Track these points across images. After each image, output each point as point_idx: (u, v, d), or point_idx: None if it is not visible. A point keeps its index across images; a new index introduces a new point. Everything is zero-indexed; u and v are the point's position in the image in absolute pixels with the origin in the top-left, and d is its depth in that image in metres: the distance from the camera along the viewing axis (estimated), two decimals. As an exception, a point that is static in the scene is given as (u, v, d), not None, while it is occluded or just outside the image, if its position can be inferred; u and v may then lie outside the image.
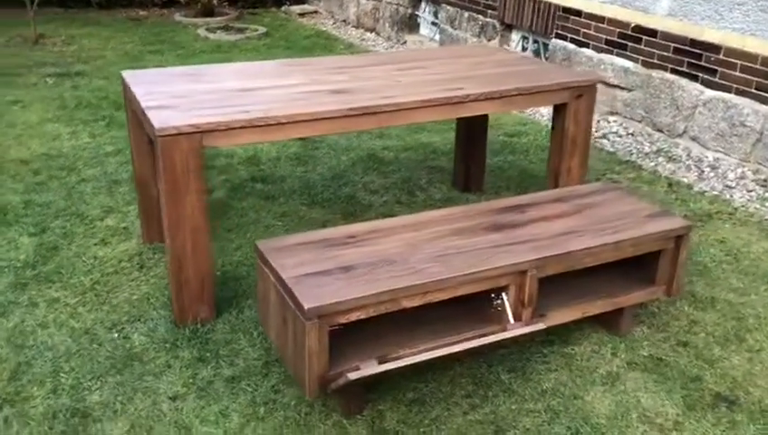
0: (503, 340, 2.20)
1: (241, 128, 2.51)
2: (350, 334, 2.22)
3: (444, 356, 2.10)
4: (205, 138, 2.47)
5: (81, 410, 2.26)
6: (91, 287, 2.95)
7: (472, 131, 3.79)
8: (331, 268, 2.18)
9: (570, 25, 5.49)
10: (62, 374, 2.42)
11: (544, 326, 2.26)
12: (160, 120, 2.45)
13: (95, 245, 3.29)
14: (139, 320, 2.73)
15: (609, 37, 5.17)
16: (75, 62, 6.57)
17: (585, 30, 5.37)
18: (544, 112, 5.36)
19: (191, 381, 2.40)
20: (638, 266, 2.64)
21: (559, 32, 5.60)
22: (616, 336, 2.66)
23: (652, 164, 4.40)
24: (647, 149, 4.65)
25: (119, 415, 2.24)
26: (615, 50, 5.12)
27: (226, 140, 2.52)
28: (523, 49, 6.07)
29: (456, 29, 6.76)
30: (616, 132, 4.96)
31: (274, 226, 3.49)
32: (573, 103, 3.11)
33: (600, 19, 5.24)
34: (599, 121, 5.12)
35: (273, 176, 4.08)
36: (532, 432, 2.19)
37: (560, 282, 2.51)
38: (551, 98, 3.07)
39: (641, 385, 2.42)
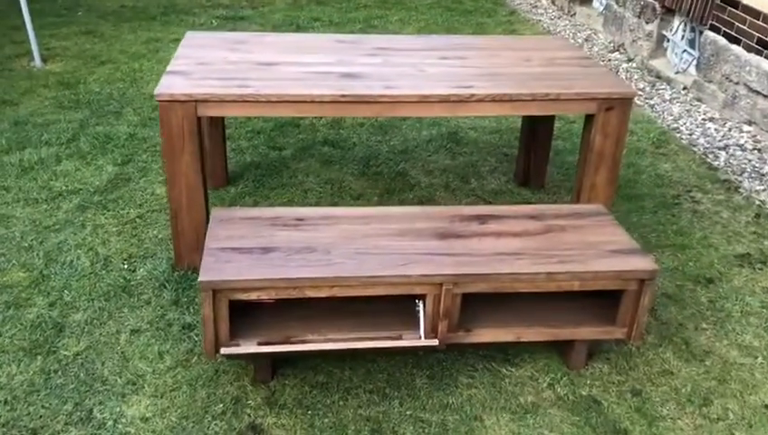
0: (403, 347, 2.24)
1: (233, 101, 2.71)
2: (270, 311, 2.38)
3: (343, 350, 2.20)
4: (199, 107, 2.71)
5: (60, 324, 2.68)
6: (132, 220, 3.38)
7: (535, 124, 3.66)
8: (254, 247, 2.35)
9: (725, 17, 4.93)
10: (65, 291, 2.87)
11: (437, 343, 2.26)
12: (164, 85, 2.73)
13: (159, 182, 3.72)
14: (151, 257, 3.11)
15: (762, 36, 4.59)
16: (247, 6, 7.13)
17: (739, 24, 4.80)
18: (664, 114, 4.93)
19: (156, 319, 2.73)
20: (603, 303, 2.49)
21: (714, 23, 5.06)
22: (568, 369, 2.55)
23: (757, 188, 3.93)
24: (765, 170, 4.14)
25: (84, 335, 2.63)
26: (765, 51, 4.55)
27: (220, 111, 2.74)
28: (682, 38, 5.56)
29: (620, 6, 6.34)
30: (741, 145, 4.46)
31: (313, 190, 3.69)
32: (602, 115, 2.91)
33: (756, 14, 4.66)
34: (729, 130, 4.62)
35: (347, 142, 4.26)
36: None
37: (509, 301, 2.45)
38: (573, 107, 2.90)
39: (554, 424, 2.33)
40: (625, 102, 2.89)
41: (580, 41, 6.60)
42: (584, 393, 2.45)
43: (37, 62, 5.31)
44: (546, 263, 2.35)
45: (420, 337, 2.31)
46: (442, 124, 4.52)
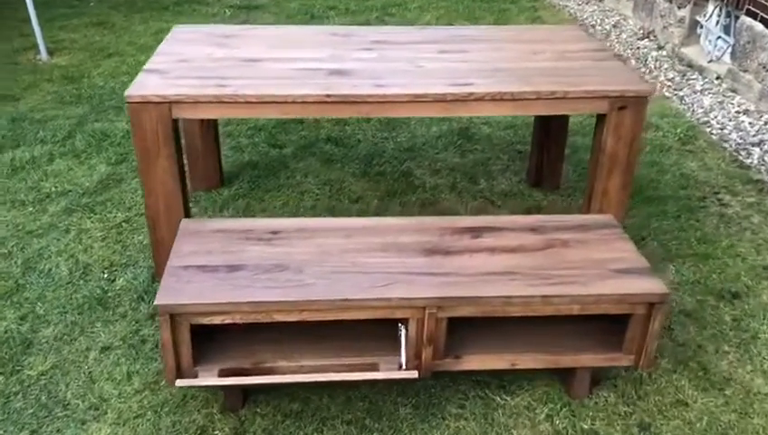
0: (380, 380, 2.03)
1: (209, 102, 2.52)
2: (240, 333, 2.20)
3: (313, 383, 2.00)
4: (174, 108, 2.52)
5: (28, 340, 2.53)
6: (118, 225, 3.22)
7: (549, 119, 3.40)
8: (220, 265, 2.15)
9: (763, 1, 4.58)
10: (39, 303, 2.72)
11: (416, 375, 2.04)
12: (136, 85, 2.55)
13: (150, 183, 3.55)
14: (132, 265, 2.94)
15: (801, 22, 4.24)
16: (262, -6, 6.93)
17: (778, 9, 4.45)
18: (694, 106, 4.61)
19: (129, 336, 2.56)
20: (608, 327, 2.25)
21: (751, 7, 4.70)
22: (569, 398, 2.31)
23: (792, 189, 3.62)
24: (802, 169, 3.82)
25: (51, 353, 2.48)
26: (806, 39, 4.20)
27: (195, 112, 2.55)
28: (716, 23, 5.20)
29: (652, -11, 5.99)
30: (778, 141, 4.13)
31: (310, 192, 3.49)
32: (614, 115, 2.64)
33: (797, -3, 4.31)
34: (765, 124, 4.29)
35: (351, 139, 4.05)
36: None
37: (502, 325, 2.23)
38: (583, 106, 2.64)
39: (549, 462, 2.10)
40: (640, 101, 2.62)
41: (607, 27, 6.27)
42: (585, 427, 2.22)
43: (43, 55, 5.20)
44: (542, 284, 2.11)
45: (401, 365, 2.09)
46: (453, 119, 4.27)
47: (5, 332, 2.57)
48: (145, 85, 2.56)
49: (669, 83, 5.06)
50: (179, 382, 1.98)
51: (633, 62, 5.45)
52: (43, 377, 2.37)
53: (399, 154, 3.88)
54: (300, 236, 2.31)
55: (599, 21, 6.46)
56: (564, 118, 3.41)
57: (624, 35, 6.07)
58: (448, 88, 2.57)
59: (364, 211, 3.31)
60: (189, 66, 2.75)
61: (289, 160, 3.79)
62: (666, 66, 5.36)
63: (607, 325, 2.25)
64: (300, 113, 2.57)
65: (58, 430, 2.18)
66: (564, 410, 2.27)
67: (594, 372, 2.32)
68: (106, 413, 2.23)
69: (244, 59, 2.84)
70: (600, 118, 2.71)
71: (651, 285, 2.12)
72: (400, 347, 2.10)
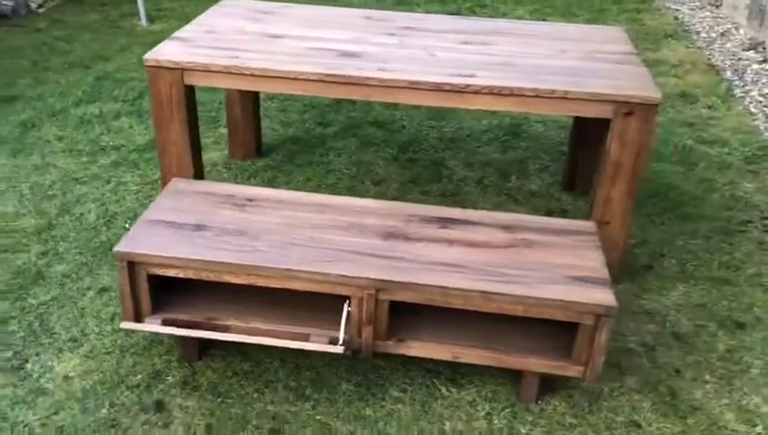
0: (309, 350, 2.10)
1: (218, 72, 2.66)
2: (208, 288, 2.32)
3: (249, 344, 2.11)
4: (186, 75, 2.68)
5: (41, 273, 2.80)
6: (154, 181, 3.46)
7: (585, 125, 3.30)
8: (187, 223, 2.29)
9: None
10: (61, 242, 2.99)
11: (341, 350, 2.08)
12: (156, 51, 2.73)
13: (196, 147, 3.78)
14: (153, 219, 3.15)
15: None
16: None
17: None
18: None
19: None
20: (561, 334, 2.19)
21: None
22: (517, 400, 2.28)
23: None
24: None
25: (56, 287, 2.72)
26: None
27: (206, 81, 2.70)
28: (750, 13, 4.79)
29: (763, -1, 5.59)
30: None
31: (337, 172, 3.57)
32: (620, 121, 2.54)
33: None
34: None
35: (395, 124, 4.09)
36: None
37: (453, 317, 2.23)
38: (585, 108, 2.55)
39: (472, 459, 2.09)
40: (647, 109, 2.50)
41: (713, 35, 5.90)
42: (523, 431, 2.18)
43: (143, 21, 5.59)
44: (486, 281, 2.09)
45: (339, 340, 2.15)
46: (506, 114, 4.21)
47: (24, 263, 2.85)
48: (162, 51, 2.73)
49: (762, 99, 4.72)
50: (124, 325, 2.13)
51: (728, 73, 5.12)
52: (41, 307, 2.62)
53: (439, 144, 3.89)
54: (273, 206, 2.41)
55: (707, 28, 6.10)
56: (599, 122, 3.29)
57: (729, 45, 5.70)
58: (448, 78, 2.57)
59: (382, 194, 3.36)
60: (213, 37, 2.90)
61: (329, 139, 3.89)
62: (764, 81, 4.99)
63: (560, 333, 2.19)
64: (301, 90, 2.66)
65: (36, 354, 2.40)
66: (506, 411, 2.24)
67: (550, 379, 2.27)
68: (82, 346, 2.44)
69: (269, 34, 2.96)
70: (608, 123, 2.61)
71: (599, 296, 2.04)
72: (341, 323, 2.16)
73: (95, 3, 6.15)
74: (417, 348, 2.21)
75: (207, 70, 2.66)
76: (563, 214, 3.28)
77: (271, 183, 3.45)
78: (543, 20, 5.97)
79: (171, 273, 2.17)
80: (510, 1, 6.46)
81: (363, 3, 6.18)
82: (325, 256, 2.16)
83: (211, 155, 3.71)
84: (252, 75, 2.64)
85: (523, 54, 2.83)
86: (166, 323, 2.17)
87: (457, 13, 6.09)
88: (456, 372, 2.37)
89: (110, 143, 3.79)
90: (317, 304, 2.26)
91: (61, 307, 2.62)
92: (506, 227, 2.35)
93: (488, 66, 2.69)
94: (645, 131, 2.54)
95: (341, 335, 2.15)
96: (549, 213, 3.29)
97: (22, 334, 2.49)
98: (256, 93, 3.59)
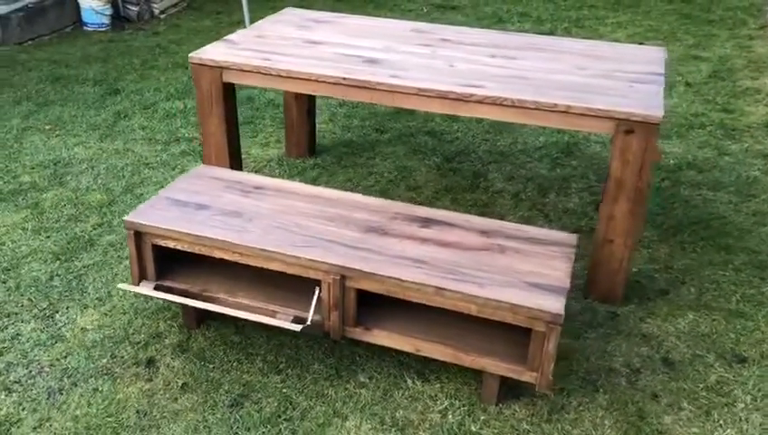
0: (274, 326, 2.28)
1: (250, 72, 2.92)
2: (213, 263, 2.56)
3: (225, 314, 2.33)
4: (224, 73, 2.96)
5: (93, 241, 3.16)
6: (213, 171, 3.77)
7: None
8: (192, 202, 2.54)
9: None
10: (116, 216, 3.35)
11: (298, 329, 2.23)
12: (201, 50, 3.03)
13: (259, 144, 4.10)
14: (201, 204, 3.47)
15: None
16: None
17: None
18: None
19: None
20: (520, 340, 2.24)
21: None
22: (478, 401, 2.34)
23: None
24: None
25: (101, 252, 3.07)
26: None
27: (240, 79, 2.96)
28: None
29: None
30: None
31: (377, 175, 3.74)
32: (621, 138, 2.53)
33: None
34: None
35: (450, 134, 4.21)
36: (267, 417, 2.25)
37: (420, 311, 2.33)
38: (586, 124, 2.56)
39: (414, 446, 2.18)
40: (648, 128, 2.48)
41: (826, 67, 5.52)
42: (473, 429, 2.24)
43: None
44: (442, 278, 2.18)
45: (307, 321, 2.31)
46: (565, 133, 4.21)
47: (81, 232, 3.23)
48: (207, 51, 3.03)
49: None
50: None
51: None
52: (83, 269, 2.97)
53: (487, 156, 3.96)
54: (276, 194, 2.62)
55: (822, 59, 5.72)
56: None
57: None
58: (453, 87, 2.68)
59: (413, 199, 3.49)
60: (259, 41, 3.17)
61: (381, 145, 4.07)
62: None
63: (520, 339, 2.24)
64: (322, 91, 2.86)
65: (67, 308, 2.74)
66: (463, 409, 2.30)
67: (517, 385, 2.31)
68: (104, 305, 2.76)
69: (309, 41, 3.19)
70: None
71: (547, 304, 2.08)
72: (311, 305, 2.32)
73: (211, 11, 6.71)
74: (382, 337, 2.33)
75: (241, 69, 2.92)
76: (590, 232, 3.26)
77: (314, 181, 3.67)
78: (640, 43, 5.85)
79: (170, 244, 2.43)
80: (611, 24, 6.37)
81: (465, 21, 6.33)
82: (299, 242, 2.33)
83: (270, 152, 4.00)
84: (279, 76, 2.87)
85: (541, 69, 2.88)
86: (158, 288, 2.43)
87: (551, 33, 6.09)
88: (425, 367, 2.46)
89: (185, 135, 4.17)
90: (300, 286, 2.44)
91: (99, 271, 2.96)
92: (484, 232, 2.42)
93: (500, 78, 2.77)
94: (646, 151, 2.52)
95: (310, 317, 2.31)
96: (576, 231, 3.28)
97: (60, 289, 2.85)
98: (312, 97, 3.83)
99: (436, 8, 6.81)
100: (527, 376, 2.19)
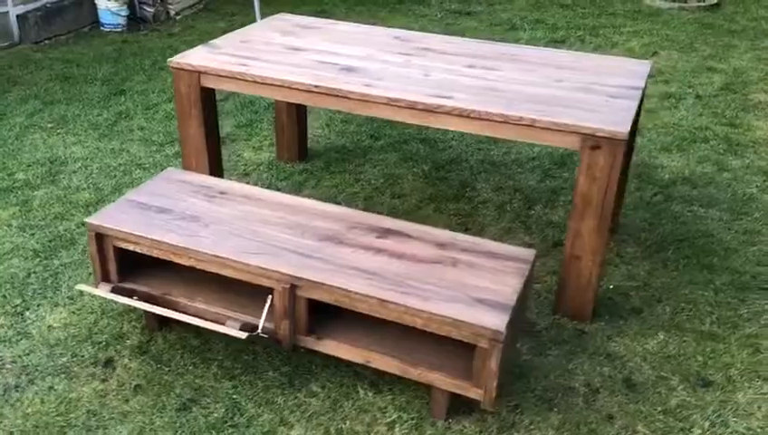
0: (222, 333, 2.29)
1: (226, 77, 2.94)
2: (171, 267, 2.59)
3: (178, 320, 2.35)
4: (202, 78, 2.99)
5: (74, 240, 3.22)
6: (202, 173, 3.81)
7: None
8: (156, 205, 2.57)
9: None
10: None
11: (244, 336, 2.24)
12: (181, 55, 3.07)
13: (251, 147, 4.13)
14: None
15: None
16: (481, 2, 7.17)
17: None
18: None
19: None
20: (468, 355, 2.22)
21: None
22: (427, 415, 2.32)
23: None
24: None
25: (79, 249, 3.13)
26: None
27: (217, 84, 2.99)
28: None
29: None
30: None
31: (364, 181, 3.74)
32: (587, 154, 2.49)
33: None
34: None
35: (444, 142, 4.19)
36: (213, 423, 2.26)
37: (373, 324, 2.33)
38: (552, 138, 2.52)
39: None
40: (614, 144, 2.44)
41: None
42: (411, 445, 2.22)
43: (260, 32, 6.07)
44: (387, 290, 2.17)
45: (258, 328, 2.32)
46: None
47: (65, 230, 3.29)
48: (186, 55, 3.06)
49: None
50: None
51: None
52: (61, 267, 3.03)
53: (479, 165, 3.93)
54: (238, 200, 2.63)
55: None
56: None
57: None
58: (423, 97, 2.66)
59: (396, 207, 3.48)
60: (242, 46, 3.20)
61: (373, 152, 4.07)
62: None
63: (466, 355, 2.21)
64: (294, 98, 2.87)
65: (38, 305, 2.80)
66: (411, 422, 2.29)
67: (469, 401, 2.28)
68: (75, 304, 2.80)
69: (291, 47, 3.20)
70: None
71: (487, 320, 2.05)
72: (262, 313, 2.33)
73: (226, 12, 6.78)
74: (332, 347, 2.32)
75: (218, 74, 2.94)
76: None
77: (300, 186, 3.68)
78: (654, 53, 5.76)
79: (130, 247, 2.46)
80: (626, 33, 6.27)
81: (478, 28, 6.29)
82: (254, 249, 2.34)
83: (261, 156, 4.03)
84: (254, 82, 2.89)
85: (517, 81, 2.84)
86: (119, 290, 2.46)
87: (563, 41, 6.02)
88: (380, 378, 2.45)
89: (181, 137, 4.22)
90: (258, 294, 2.45)
91: (75, 270, 3.02)
92: (440, 244, 2.40)
93: (471, 89, 2.74)
94: (613, 167, 2.48)
95: (261, 324, 2.32)
96: (556, 244, 3.23)
97: (35, 287, 2.90)
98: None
99: (451, 14, 6.78)
100: (473, 392, 2.17)
